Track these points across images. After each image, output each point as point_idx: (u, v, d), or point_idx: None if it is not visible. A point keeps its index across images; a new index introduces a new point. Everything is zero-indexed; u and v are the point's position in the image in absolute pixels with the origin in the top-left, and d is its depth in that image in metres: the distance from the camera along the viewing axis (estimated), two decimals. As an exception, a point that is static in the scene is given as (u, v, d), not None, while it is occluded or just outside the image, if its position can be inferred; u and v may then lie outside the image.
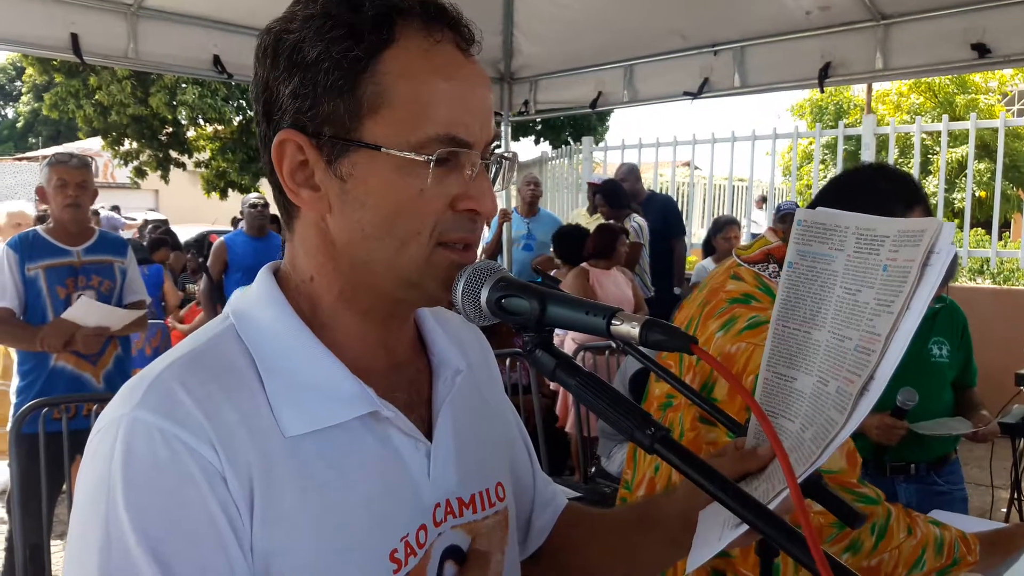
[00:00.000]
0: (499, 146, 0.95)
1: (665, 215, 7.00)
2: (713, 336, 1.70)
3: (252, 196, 6.70)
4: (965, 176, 11.22)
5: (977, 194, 14.27)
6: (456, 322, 1.15)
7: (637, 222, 6.57)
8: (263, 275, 0.97)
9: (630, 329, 0.75)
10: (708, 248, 7.01)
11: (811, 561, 0.65)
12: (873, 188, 1.71)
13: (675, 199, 9.01)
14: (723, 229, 6.74)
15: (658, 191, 9.83)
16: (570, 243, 6.38)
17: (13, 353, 4.68)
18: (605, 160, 11.39)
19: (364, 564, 0.88)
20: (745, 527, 0.82)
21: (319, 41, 0.85)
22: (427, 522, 0.94)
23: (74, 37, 3.99)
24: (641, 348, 0.90)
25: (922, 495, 2.90)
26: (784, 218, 5.27)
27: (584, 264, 5.83)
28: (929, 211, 1.76)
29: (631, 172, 7.39)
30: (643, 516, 1.16)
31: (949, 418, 2.94)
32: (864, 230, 0.91)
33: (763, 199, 11.17)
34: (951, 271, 2.19)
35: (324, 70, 0.85)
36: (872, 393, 0.81)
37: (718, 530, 0.90)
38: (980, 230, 11.71)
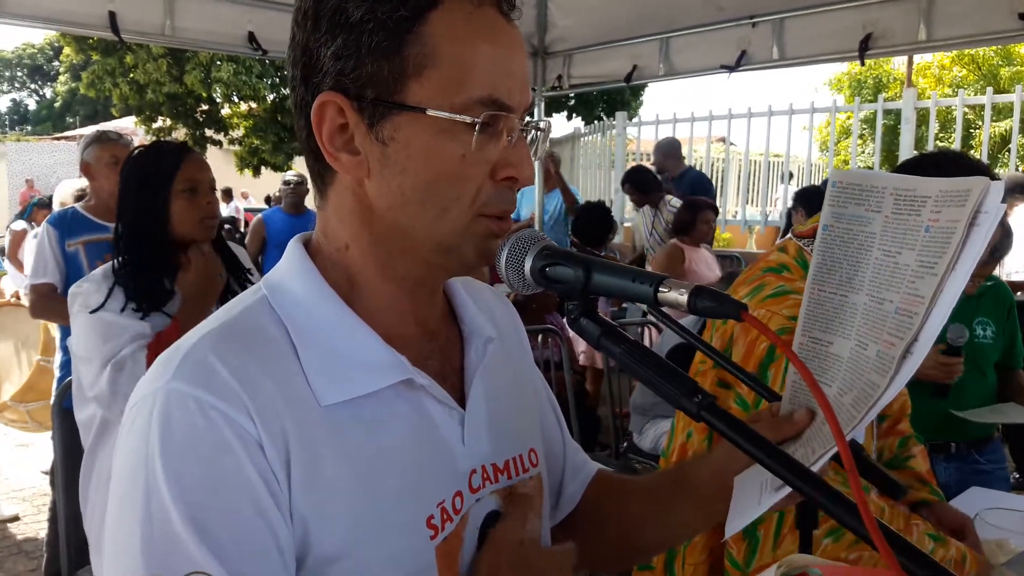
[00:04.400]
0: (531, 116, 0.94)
1: (694, 191, 6.91)
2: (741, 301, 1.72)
3: (290, 174, 6.76)
4: (1008, 151, 10.98)
5: (1020, 169, 13.95)
6: (486, 293, 1.15)
7: (673, 205, 6.49)
8: (293, 246, 0.97)
9: (678, 296, 0.74)
10: (788, 223, 6.85)
11: (862, 526, 0.64)
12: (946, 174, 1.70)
13: (709, 175, 8.94)
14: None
15: (693, 167, 9.74)
16: (591, 222, 6.29)
17: (54, 329, 4.78)
18: (639, 136, 11.30)
19: (401, 530, 0.88)
20: (785, 491, 0.81)
21: (363, 2, 0.84)
22: (463, 488, 0.95)
23: (112, 15, 4.03)
24: (675, 321, 0.89)
25: (962, 474, 2.84)
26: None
27: (675, 240, 5.72)
28: (1004, 212, 1.77)
29: (659, 149, 7.26)
30: (675, 481, 1.15)
31: (1002, 404, 2.86)
32: (903, 191, 0.88)
33: (789, 176, 11.02)
34: (1005, 247, 2.15)
35: (369, 31, 0.84)
36: (916, 356, 0.79)
37: (756, 494, 0.89)
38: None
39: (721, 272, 5.72)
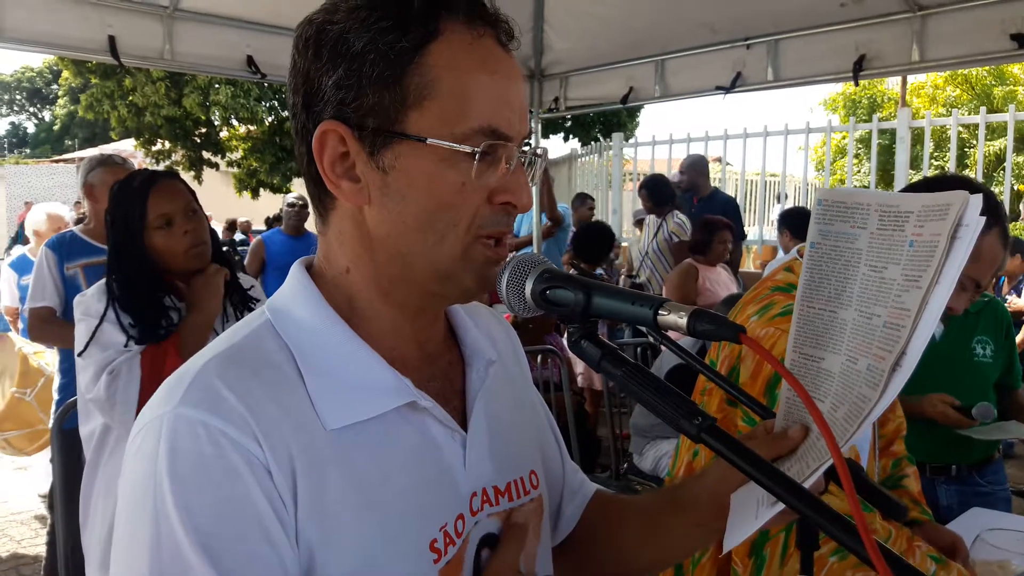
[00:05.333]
0: (529, 142, 0.96)
1: (725, 215, 6.86)
2: (748, 320, 1.76)
3: (291, 196, 6.78)
4: (1003, 170, 11.04)
5: (1016, 188, 14.03)
6: (486, 315, 1.16)
7: (680, 219, 6.50)
8: (296, 270, 0.98)
9: (677, 319, 0.74)
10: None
11: (861, 547, 0.64)
12: None
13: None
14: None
15: (720, 188, 9.74)
16: (590, 240, 6.34)
17: (33, 360, 4.78)
18: (635, 157, 11.36)
19: (406, 554, 0.88)
20: (782, 505, 0.82)
21: (365, 32, 0.85)
22: (464, 511, 0.95)
23: (111, 39, 4.04)
24: (675, 342, 0.90)
25: (964, 496, 2.84)
26: None
27: (690, 260, 5.73)
28: (1007, 233, 1.81)
29: (692, 166, 7.13)
30: (672, 500, 1.15)
31: (1005, 422, 2.87)
32: (887, 207, 0.90)
33: (784, 195, 11.08)
34: (1001, 263, 2.21)
35: (370, 61, 0.85)
36: (905, 369, 0.80)
37: (753, 509, 0.90)
38: (1019, 224, 11.51)
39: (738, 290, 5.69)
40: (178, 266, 2.33)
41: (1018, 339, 5.23)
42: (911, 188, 1.93)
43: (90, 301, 2.30)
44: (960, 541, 1.90)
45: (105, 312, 2.26)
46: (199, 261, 2.36)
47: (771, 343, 1.65)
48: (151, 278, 2.32)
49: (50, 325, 3.65)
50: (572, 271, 6.07)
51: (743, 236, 7.11)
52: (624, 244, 10.24)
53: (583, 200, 9.09)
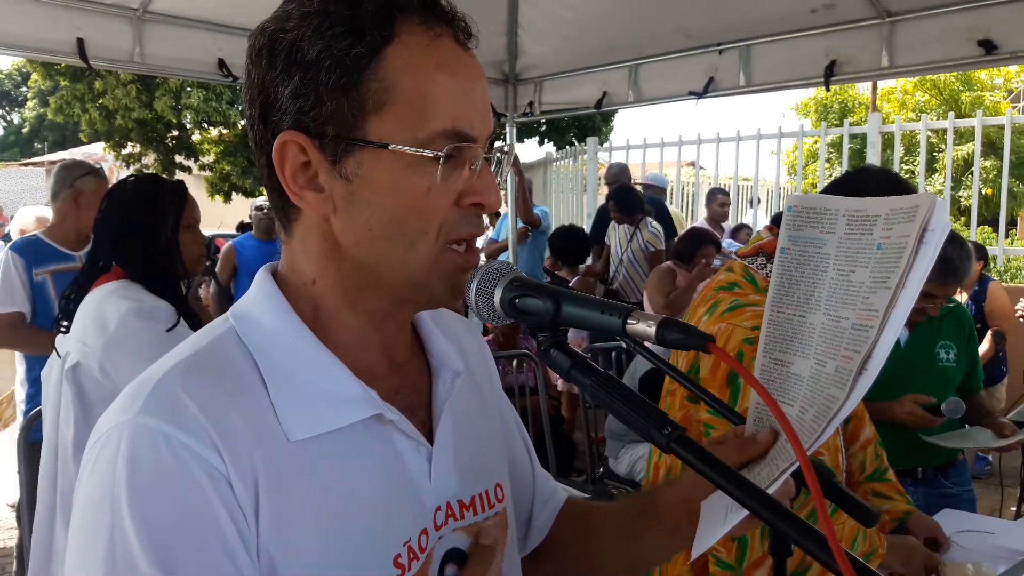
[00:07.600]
0: (499, 141, 0.94)
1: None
2: (700, 320, 1.83)
3: (260, 199, 6.70)
4: (971, 174, 11.21)
5: (983, 191, 14.25)
6: (453, 322, 1.14)
7: (654, 227, 6.56)
8: (262, 277, 0.96)
9: (646, 328, 0.74)
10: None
11: (831, 559, 0.64)
12: (871, 192, 1.77)
13: (680, 199, 9.09)
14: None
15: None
16: (568, 243, 6.40)
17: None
18: (610, 161, 11.38)
19: (369, 568, 0.87)
20: None
21: (319, 39, 0.83)
22: (428, 526, 0.94)
23: (80, 42, 3.99)
24: (648, 348, 0.90)
25: (930, 498, 2.88)
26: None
27: (670, 263, 5.76)
28: (955, 236, 1.86)
29: (623, 172, 7.44)
30: (645, 507, 1.15)
31: (971, 428, 2.92)
32: (854, 211, 0.91)
33: (757, 200, 11.18)
34: (964, 271, 2.25)
35: (326, 68, 0.83)
36: (871, 371, 0.80)
37: (722, 513, 0.90)
38: (987, 228, 11.71)
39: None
40: (191, 270, 2.46)
41: (981, 350, 5.34)
42: (831, 187, 1.96)
43: (156, 307, 2.25)
44: (938, 527, 2.07)
45: (179, 317, 2.27)
46: (201, 268, 2.54)
47: (724, 338, 1.72)
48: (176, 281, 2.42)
49: (19, 331, 3.58)
50: (546, 278, 6.11)
51: (675, 235, 7.33)
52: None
53: (713, 196, 8.67)
